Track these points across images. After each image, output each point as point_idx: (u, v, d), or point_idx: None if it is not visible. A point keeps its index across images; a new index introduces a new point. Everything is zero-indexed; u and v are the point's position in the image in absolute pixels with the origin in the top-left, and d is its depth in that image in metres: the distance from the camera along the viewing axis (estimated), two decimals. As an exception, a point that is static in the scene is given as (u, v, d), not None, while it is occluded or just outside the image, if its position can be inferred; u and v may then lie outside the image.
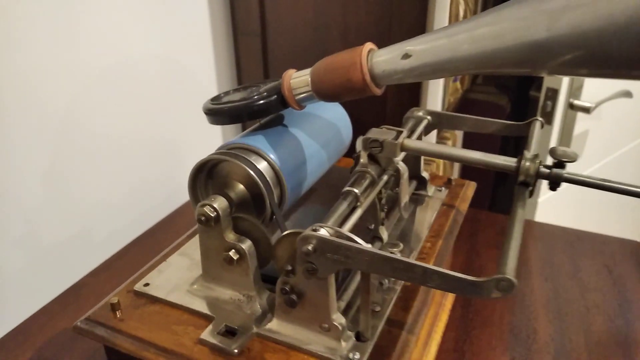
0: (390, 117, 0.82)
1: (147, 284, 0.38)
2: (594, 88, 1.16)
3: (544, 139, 1.22)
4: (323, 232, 0.30)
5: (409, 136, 0.44)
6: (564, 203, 1.30)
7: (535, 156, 0.33)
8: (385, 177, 0.37)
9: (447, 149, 0.36)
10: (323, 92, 0.35)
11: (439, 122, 0.48)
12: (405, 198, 0.38)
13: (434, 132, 0.81)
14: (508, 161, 0.34)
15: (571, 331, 0.54)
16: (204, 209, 0.33)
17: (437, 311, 0.53)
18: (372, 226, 0.39)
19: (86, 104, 0.72)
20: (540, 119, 0.43)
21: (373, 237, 0.41)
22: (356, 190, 0.35)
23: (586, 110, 1.14)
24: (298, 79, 0.36)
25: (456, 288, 0.27)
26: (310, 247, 0.29)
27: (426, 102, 0.94)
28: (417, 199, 0.49)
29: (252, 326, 0.34)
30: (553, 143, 1.20)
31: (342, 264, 0.29)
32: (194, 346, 0.33)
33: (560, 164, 0.33)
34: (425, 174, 0.50)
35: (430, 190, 0.50)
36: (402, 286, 0.38)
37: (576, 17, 0.26)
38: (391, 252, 0.35)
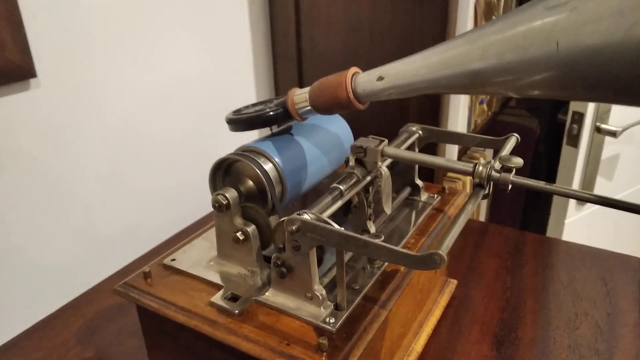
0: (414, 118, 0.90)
1: (173, 259, 0.47)
2: (622, 112, 1.18)
3: (570, 161, 1.24)
4: (305, 216, 0.37)
5: (399, 146, 0.51)
6: (591, 224, 1.31)
7: (488, 162, 0.40)
8: (368, 178, 0.44)
9: (418, 155, 0.43)
10: (318, 106, 0.43)
11: (429, 136, 0.54)
12: (386, 197, 0.46)
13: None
14: (466, 166, 0.41)
15: (557, 333, 0.59)
16: (218, 197, 0.42)
17: (432, 307, 0.59)
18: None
19: (141, 116, 0.84)
20: (515, 135, 0.49)
21: (362, 230, 0.48)
22: (341, 187, 0.42)
23: (613, 134, 1.16)
24: (299, 96, 0.45)
25: (401, 260, 0.33)
26: (294, 227, 0.37)
27: (447, 123, 1.00)
28: (411, 203, 0.56)
29: (253, 294, 0.42)
30: (580, 165, 1.23)
31: (319, 242, 0.37)
32: (205, 307, 0.41)
33: (507, 169, 0.39)
34: (419, 182, 0.57)
35: (424, 196, 0.57)
36: (382, 271, 0.45)
37: (501, 50, 0.33)
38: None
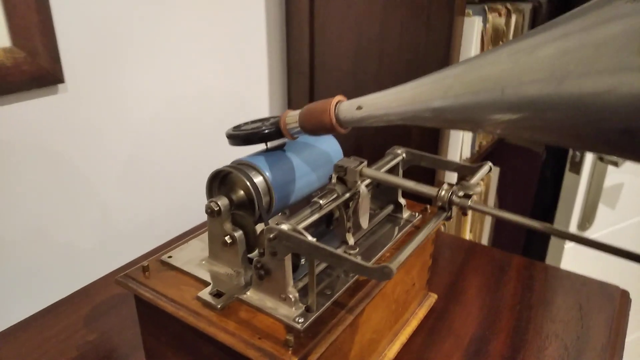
0: (416, 143, 0.94)
1: (170, 256, 0.52)
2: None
3: (572, 187, 1.26)
4: (283, 226, 0.42)
5: (382, 167, 0.56)
6: (592, 250, 1.33)
7: (450, 188, 0.44)
8: (347, 195, 0.49)
9: (392, 177, 0.48)
10: (305, 128, 0.49)
11: (412, 159, 0.59)
12: (364, 212, 0.50)
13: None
14: (431, 190, 0.45)
15: (525, 352, 0.62)
16: (211, 204, 0.47)
17: (409, 318, 0.64)
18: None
19: (159, 122, 0.90)
20: (489, 163, 0.54)
21: (342, 242, 0.53)
22: (320, 201, 0.47)
23: (614, 163, 1.18)
24: (291, 117, 0.50)
25: (358, 270, 0.38)
26: (272, 235, 0.42)
27: (447, 144, 1.04)
28: (393, 220, 0.61)
29: (235, 293, 0.47)
30: (581, 192, 1.25)
31: (293, 249, 0.42)
32: (192, 300, 0.46)
33: (467, 195, 0.43)
34: (402, 200, 0.61)
35: (406, 214, 0.61)
36: (354, 280, 0.49)
37: (459, 91, 0.38)
38: (345, 252, 0.48)
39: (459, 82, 0.38)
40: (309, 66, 1.11)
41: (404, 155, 0.59)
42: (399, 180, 0.47)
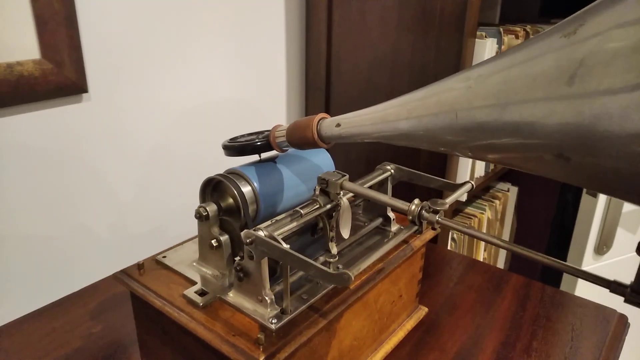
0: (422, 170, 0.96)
1: (164, 257, 0.56)
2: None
3: (589, 211, 1.25)
4: (260, 232, 0.46)
5: (369, 181, 0.59)
6: (609, 275, 1.30)
7: (420, 203, 0.46)
8: (329, 206, 0.52)
9: (368, 191, 0.51)
10: (291, 142, 0.52)
11: (400, 175, 0.61)
12: (344, 223, 0.53)
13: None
14: (403, 205, 0.47)
15: (509, 368, 0.63)
16: (200, 209, 0.51)
17: (396, 328, 0.66)
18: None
19: (175, 133, 0.96)
20: (470, 182, 0.56)
21: (325, 250, 0.55)
22: (301, 211, 0.50)
23: (632, 187, 1.16)
24: (279, 132, 0.53)
25: (321, 276, 0.41)
26: (249, 240, 0.45)
27: (457, 167, 1.05)
28: (382, 232, 0.63)
29: (218, 293, 0.50)
30: (598, 216, 1.23)
31: (267, 254, 0.45)
32: (178, 297, 0.50)
33: (435, 211, 0.46)
34: (391, 214, 0.63)
35: (394, 227, 0.63)
36: (332, 287, 0.52)
37: (421, 113, 0.40)
38: (325, 260, 0.51)
39: (422, 104, 0.40)
40: (325, 82, 1.15)
41: (392, 170, 0.61)
42: (374, 193, 0.49)
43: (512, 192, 1.46)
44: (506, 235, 1.50)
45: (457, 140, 0.39)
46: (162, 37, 0.88)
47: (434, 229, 0.51)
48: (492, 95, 0.35)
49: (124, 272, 0.54)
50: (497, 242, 0.43)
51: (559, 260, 0.40)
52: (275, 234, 0.46)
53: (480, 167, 1.21)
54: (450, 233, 1.19)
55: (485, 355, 0.65)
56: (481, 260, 1.37)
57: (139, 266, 0.55)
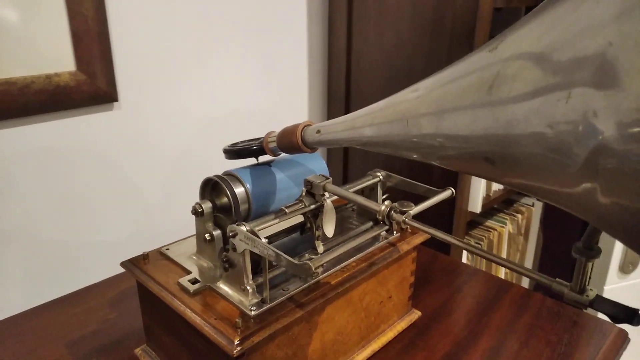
0: (435, 182, 0.99)
1: (167, 249, 0.62)
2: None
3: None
4: (242, 227, 0.51)
5: (357, 185, 0.63)
6: (635, 295, 1.26)
7: (390, 203, 0.50)
8: (313, 206, 0.57)
9: (346, 193, 0.54)
10: (280, 146, 0.57)
11: (389, 181, 0.65)
12: (327, 222, 0.57)
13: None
14: (375, 206, 0.51)
15: (494, 372, 0.65)
16: (196, 205, 0.57)
17: (385, 329, 0.69)
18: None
19: (199, 140, 1.03)
20: (450, 189, 0.59)
21: (312, 248, 0.60)
22: (286, 209, 0.55)
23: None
24: (271, 138, 0.58)
25: (288, 266, 0.45)
26: (231, 233, 0.50)
27: (470, 180, 1.07)
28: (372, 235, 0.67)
29: (209, 282, 0.55)
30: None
31: (249, 246, 0.50)
32: (173, 284, 0.56)
33: (402, 212, 0.49)
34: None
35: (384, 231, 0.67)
36: (315, 281, 0.56)
37: (380, 121, 0.44)
38: (310, 257, 0.55)
39: (381, 113, 0.44)
40: (344, 93, 1.20)
41: (381, 176, 0.65)
42: (351, 195, 0.53)
43: (538, 206, 1.45)
44: (531, 250, 1.49)
45: (410, 146, 0.42)
46: (187, 50, 0.96)
47: (402, 228, 0.54)
48: (434, 104, 0.39)
49: (130, 261, 0.61)
50: (467, 247, 0.46)
51: (499, 256, 0.43)
52: (257, 229, 0.51)
53: (499, 180, 1.22)
54: (466, 245, 1.20)
55: (472, 359, 0.67)
56: (502, 276, 1.37)
57: (144, 256, 0.61)
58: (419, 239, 0.68)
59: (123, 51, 0.87)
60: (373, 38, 1.10)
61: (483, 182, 1.09)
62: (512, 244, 1.37)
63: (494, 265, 1.31)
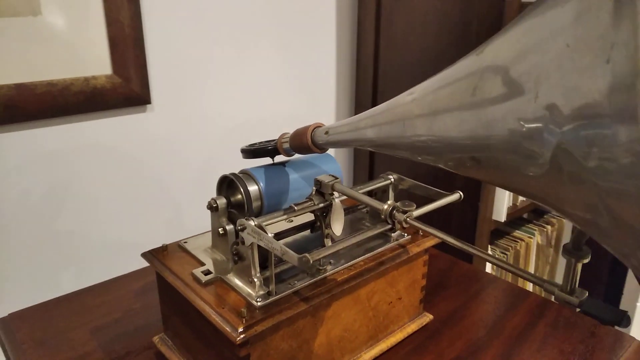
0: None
1: (185, 242, 0.66)
2: None
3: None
4: (250, 222, 0.53)
5: (368, 186, 0.64)
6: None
7: (393, 203, 0.51)
8: (322, 205, 0.59)
9: (353, 192, 0.56)
10: (292, 146, 0.60)
11: (400, 183, 0.66)
12: (335, 221, 0.59)
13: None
14: (379, 204, 0.52)
15: (502, 378, 0.65)
16: (211, 201, 0.60)
17: (395, 330, 0.70)
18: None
19: (228, 144, 1.07)
20: (459, 192, 0.59)
21: (321, 246, 0.62)
22: (295, 207, 0.57)
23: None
24: (284, 139, 0.61)
25: (289, 258, 0.47)
26: (240, 227, 0.53)
27: (494, 189, 1.06)
28: (383, 237, 0.68)
29: (220, 274, 0.58)
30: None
31: (255, 239, 0.52)
32: (187, 275, 0.59)
33: (404, 211, 0.50)
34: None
35: (396, 233, 0.68)
36: (322, 277, 0.58)
37: (380, 122, 0.46)
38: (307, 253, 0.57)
39: (382, 115, 0.46)
40: (371, 99, 1.22)
41: (392, 179, 0.66)
42: (357, 194, 0.55)
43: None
44: (562, 262, 1.45)
45: (406, 147, 0.44)
46: (217, 56, 1.00)
47: (403, 227, 0.55)
48: (427, 106, 0.40)
49: (150, 252, 0.64)
50: (464, 247, 0.47)
51: (494, 256, 0.43)
52: (264, 223, 0.54)
53: (527, 190, 1.20)
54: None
55: (481, 364, 0.67)
56: (530, 289, 1.34)
57: (163, 248, 0.64)
58: (430, 242, 0.69)
59: (156, 56, 0.92)
60: (400, 44, 1.12)
61: (507, 192, 1.08)
62: (540, 255, 1.34)
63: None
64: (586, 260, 0.38)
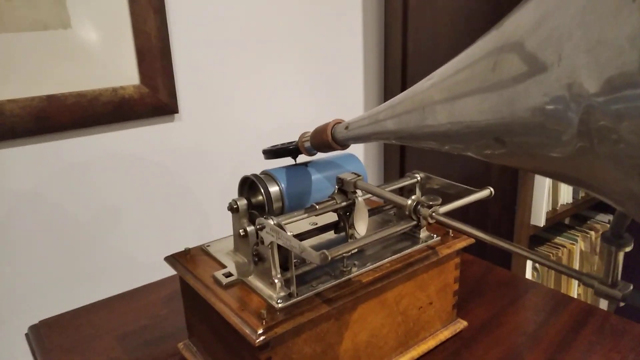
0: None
1: (208, 245, 0.65)
2: None
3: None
4: (269, 221, 0.52)
5: (393, 185, 0.62)
6: None
7: (417, 197, 0.49)
8: (344, 203, 0.57)
9: (376, 189, 0.54)
10: (313, 145, 0.58)
11: (427, 182, 0.64)
12: (358, 220, 0.57)
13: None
14: (403, 200, 0.50)
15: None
16: (231, 202, 0.59)
17: (427, 336, 0.67)
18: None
19: (254, 152, 1.06)
20: (489, 188, 0.56)
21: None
22: (316, 206, 0.56)
23: None
24: (305, 137, 0.60)
25: (307, 256, 0.46)
26: (259, 226, 0.52)
27: (532, 191, 1.02)
28: (411, 238, 0.65)
29: (241, 276, 0.57)
30: None
31: (274, 238, 0.51)
32: (208, 277, 0.58)
33: (429, 206, 0.48)
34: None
35: (424, 234, 0.65)
36: (346, 278, 0.56)
37: (400, 112, 0.44)
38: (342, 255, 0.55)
39: (401, 105, 0.44)
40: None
41: (419, 177, 0.64)
42: (379, 190, 0.53)
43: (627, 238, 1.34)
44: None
45: (427, 135, 0.42)
46: (244, 65, 1.00)
47: (428, 223, 0.53)
48: (446, 89, 0.38)
49: (173, 255, 0.64)
50: (499, 243, 0.44)
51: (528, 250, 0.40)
52: (283, 222, 0.52)
53: (567, 194, 1.15)
54: (531, 262, 1.14)
55: (519, 373, 0.63)
56: (574, 296, 1.27)
57: (186, 252, 0.64)
58: (461, 244, 0.65)
59: (183, 66, 0.93)
60: (429, 47, 1.09)
61: (546, 193, 1.04)
62: (584, 263, 1.27)
63: (563, 283, 1.22)
64: (628, 249, 0.35)
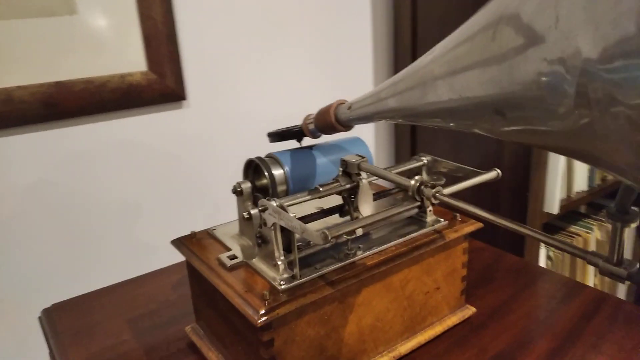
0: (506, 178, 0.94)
1: (214, 229, 0.65)
2: None
3: None
4: (272, 202, 0.51)
5: (400, 167, 0.61)
6: None
7: (420, 178, 0.48)
8: (348, 185, 0.56)
9: (379, 170, 0.53)
10: (317, 126, 0.58)
11: (433, 165, 0.63)
12: (363, 202, 0.56)
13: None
14: (406, 181, 0.49)
15: (552, 373, 0.59)
16: (236, 185, 0.59)
17: (434, 321, 0.66)
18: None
19: (264, 138, 1.06)
20: (497, 170, 0.55)
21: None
22: (320, 188, 0.55)
23: None
24: (309, 120, 0.59)
25: (308, 235, 0.45)
26: (261, 208, 0.51)
27: (545, 176, 1.00)
28: (417, 222, 0.64)
29: (246, 258, 0.57)
30: None
31: (276, 219, 0.50)
32: (213, 260, 0.58)
33: (433, 186, 0.47)
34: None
35: (431, 218, 0.64)
36: (350, 261, 0.55)
37: (401, 88, 0.43)
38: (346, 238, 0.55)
39: (403, 82, 0.43)
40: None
41: (425, 160, 0.63)
42: (382, 171, 0.52)
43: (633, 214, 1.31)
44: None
45: (429, 112, 0.41)
46: (252, 52, 1.00)
47: (432, 203, 0.51)
48: (446, 63, 0.37)
49: (179, 239, 0.64)
50: (504, 224, 0.43)
51: (534, 229, 0.39)
52: (286, 204, 0.52)
53: (583, 181, 1.13)
54: (544, 250, 1.12)
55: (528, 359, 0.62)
56: (591, 285, 1.25)
57: (192, 235, 0.64)
58: (468, 228, 0.64)
59: (191, 52, 0.93)
60: (438, 33, 1.08)
61: (560, 180, 1.02)
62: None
63: (579, 272, 1.20)
64: (634, 225, 0.34)
